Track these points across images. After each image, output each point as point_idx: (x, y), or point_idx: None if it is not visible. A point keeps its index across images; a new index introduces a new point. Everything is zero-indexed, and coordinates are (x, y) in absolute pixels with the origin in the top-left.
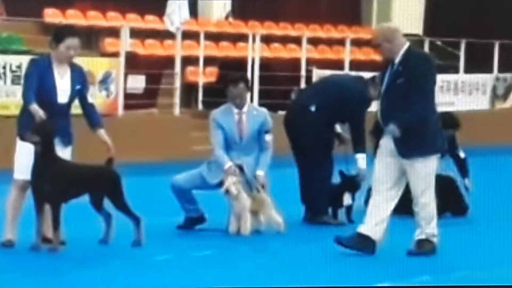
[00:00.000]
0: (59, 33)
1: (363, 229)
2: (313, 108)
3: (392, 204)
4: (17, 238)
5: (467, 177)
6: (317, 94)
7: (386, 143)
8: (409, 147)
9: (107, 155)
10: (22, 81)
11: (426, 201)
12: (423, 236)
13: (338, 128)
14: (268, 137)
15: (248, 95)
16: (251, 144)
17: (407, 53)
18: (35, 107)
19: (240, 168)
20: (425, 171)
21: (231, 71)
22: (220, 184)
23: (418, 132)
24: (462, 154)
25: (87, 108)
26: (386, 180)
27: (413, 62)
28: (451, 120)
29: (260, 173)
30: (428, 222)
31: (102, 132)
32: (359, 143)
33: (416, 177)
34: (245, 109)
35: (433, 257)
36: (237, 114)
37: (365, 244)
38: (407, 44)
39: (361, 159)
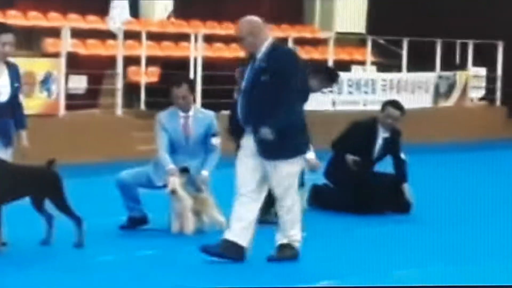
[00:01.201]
0: None
1: (229, 235)
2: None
3: (257, 206)
4: None
5: (406, 182)
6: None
7: (248, 144)
8: (273, 149)
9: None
10: None
11: (290, 204)
12: (285, 241)
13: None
14: (215, 140)
15: (192, 98)
16: (198, 148)
17: (270, 48)
18: None
19: (186, 170)
20: (288, 172)
21: (174, 71)
22: (165, 185)
23: (283, 133)
24: (403, 156)
25: (16, 107)
26: (249, 183)
27: (278, 57)
28: (389, 101)
29: (204, 172)
30: (291, 226)
31: (23, 134)
32: None
33: (278, 178)
34: (191, 112)
35: (374, 255)
36: (183, 117)
37: (233, 251)
38: (270, 39)
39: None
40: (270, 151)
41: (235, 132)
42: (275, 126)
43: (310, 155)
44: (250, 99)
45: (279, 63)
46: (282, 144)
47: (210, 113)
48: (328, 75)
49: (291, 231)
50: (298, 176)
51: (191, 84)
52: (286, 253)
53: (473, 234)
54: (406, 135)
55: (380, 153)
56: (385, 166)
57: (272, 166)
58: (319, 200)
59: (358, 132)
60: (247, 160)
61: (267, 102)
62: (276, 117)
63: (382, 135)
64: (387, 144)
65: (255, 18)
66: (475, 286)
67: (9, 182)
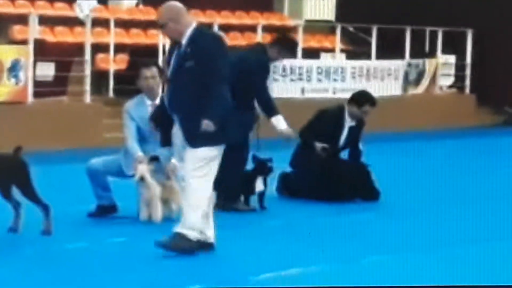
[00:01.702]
0: None
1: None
2: None
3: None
4: None
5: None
6: None
7: (178, 133)
8: (196, 136)
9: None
10: None
11: (194, 187)
12: (183, 230)
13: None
14: None
15: (160, 82)
16: None
17: (194, 33)
18: None
19: (156, 158)
20: (201, 156)
21: (142, 58)
22: (135, 174)
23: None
24: (360, 147)
25: None
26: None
27: (202, 42)
28: (367, 95)
29: (173, 161)
30: (193, 212)
31: None
32: (269, 108)
33: (189, 159)
34: (157, 100)
35: (343, 243)
36: (150, 106)
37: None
38: (194, 24)
39: (276, 120)
40: (194, 137)
41: (158, 120)
42: (215, 116)
43: (282, 125)
44: (176, 86)
45: (203, 48)
46: (198, 131)
47: None
48: (285, 43)
49: (190, 216)
50: (214, 163)
51: (160, 68)
52: (179, 244)
53: (440, 221)
54: (376, 123)
55: (346, 142)
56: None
57: (191, 150)
58: (288, 188)
59: (325, 120)
60: (180, 149)
61: (193, 88)
62: (213, 107)
63: (349, 124)
64: (352, 133)
65: (174, 3)
66: (475, 286)
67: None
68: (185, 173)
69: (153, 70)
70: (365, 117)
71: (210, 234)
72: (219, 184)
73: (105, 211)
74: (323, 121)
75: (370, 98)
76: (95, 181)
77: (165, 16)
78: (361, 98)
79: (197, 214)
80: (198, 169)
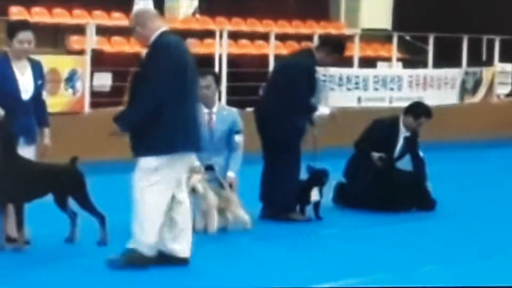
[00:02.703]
0: (11, 28)
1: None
2: (270, 98)
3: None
4: None
5: (426, 180)
6: (270, 87)
7: None
8: (136, 144)
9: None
10: None
11: (142, 201)
12: (134, 245)
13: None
14: (238, 138)
15: (217, 91)
16: (221, 145)
17: (155, 39)
18: None
19: (211, 168)
20: (143, 168)
21: (198, 68)
22: None
23: (146, 129)
24: (421, 154)
25: (39, 105)
26: None
27: (153, 49)
28: (423, 107)
29: (231, 174)
30: (141, 227)
31: (46, 131)
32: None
33: (137, 173)
34: (214, 109)
35: (399, 252)
36: (207, 114)
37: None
38: (161, 29)
39: (319, 112)
40: (135, 146)
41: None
42: (126, 123)
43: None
44: (133, 92)
45: (150, 55)
46: (142, 140)
47: (234, 110)
48: (332, 44)
49: (141, 234)
50: (160, 174)
51: (216, 76)
52: (130, 259)
53: (498, 230)
54: (433, 132)
55: (401, 152)
56: (405, 164)
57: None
58: (344, 198)
59: (380, 131)
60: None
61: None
62: (128, 114)
63: (404, 134)
64: (407, 143)
65: (144, 9)
66: (476, 287)
67: (31, 180)
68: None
69: (209, 79)
70: (420, 128)
71: (178, 248)
72: (271, 195)
73: None
74: (378, 131)
75: (426, 110)
76: None
77: (133, 21)
78: (418, 110)
79: (145, 229)
80: (142, 180)
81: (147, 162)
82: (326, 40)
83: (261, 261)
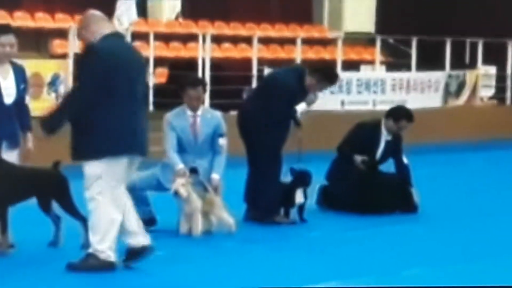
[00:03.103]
0: None
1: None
2: (254, 105)
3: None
4: None
5: (411, 186)
6: (257, 93)
7: None
8: (72, 149)
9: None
10: None
11: (91, 208)
12: (90, 250)
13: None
14: (222, 141)
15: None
16: (205, 147)
17: (91, 43)
18: None
19: (195, 171)
20: (87, 174)
21: (182, 72)
22: None
23: (78, 132)
24: (405, 160)
25: (22, 109)
26: None
27: (88, 52)
28: (404, 111)
29: (215, 176)
30: (94, 233)
31: (29, 135)
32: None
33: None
34: (199, 112)
35: (382, 255)
36: (191, 117)
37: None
38: (104, 32)
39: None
40: (73, 151)
41: None
42: (49, 125)
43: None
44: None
45: (82, 58)
46: (77, 144)
47: (218, 113)
48: (327, 75)
49: (94, 239)
50: (102, 179)
51: (205, 86)
52: (87, 264)
53: (482, 233)
54: (416, 135)
55: (382, 156)
56: (388, 169)
57: None
58: (328, 200)
59: (362, 134)
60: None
61: None
62: (55, 115)
63: (385, 138)
64: (389, 147)
65: (90, 12)
66: (475, 287)
67: (15, 184)
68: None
69: (199, 90)
70: (402, 132)
71: (142, 239)
72: (255, 197)
73: (145, 224)
74: (360, 134)
75: (407, 113)
76: (134, 196)
77: (79, 23)
78: (398, 113)
79: (98, 236)
80: (88, 188)
81: (89, 169)
82: (319, 67)
83: (246, 264)
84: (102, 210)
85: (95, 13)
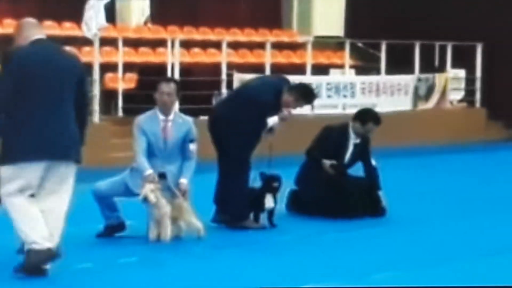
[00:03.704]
0: None
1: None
2: (225, 112)
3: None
4: None
5: (380, 189)
6: (231, 99)
7: None
8: None
9: None
10: None
11: (7, 208)
12: (26, 248)
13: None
14: (192, 146)
15: (175, 100)
16: (175, 153)
17: (18, 48)
18: None
19: (163, 176)
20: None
21: (151, 77)
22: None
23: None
24: (373, 162)
25: None
26: None
27: (5, 57)
28: (370, 113)
29: (183, 181)
30: (20, 231)
31: None
32: None
33: None
34: (171, 116)
35: (350, 259)
36: (163, 121)
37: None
38: (32, 39)
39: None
40: None
41: None
42: None
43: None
44: None
45: (2, 63)
46: None
47: (189, 119)
48: (303, 94)
49: (21, 235)
50: (14, 182)
51: (178, 86)
52: (30, 261)
53: (449, 236)
54: (386, 138)
55: (351, 159)
56: (357, 172)
57: None
58: (297, 205)
59: (330, 138)
60: None
61: None
62: None
63: (353, 141)
64: (357, 150)
65: (25, 19)
66: (475, 287)
67: None
68: None
69: (171, 86)
70: (370, 134)
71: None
72: (224, 201)
73: (114, 230)
74: (328, 138)
75: (373, 116)
76: (102, 203)
77: (15, 30)
78: (365, 116)
79: (22, 230)
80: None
81: (1, 171)
82: (298, 86)
83: (216, 269)
84: (17, 208)
85: (29, 20)
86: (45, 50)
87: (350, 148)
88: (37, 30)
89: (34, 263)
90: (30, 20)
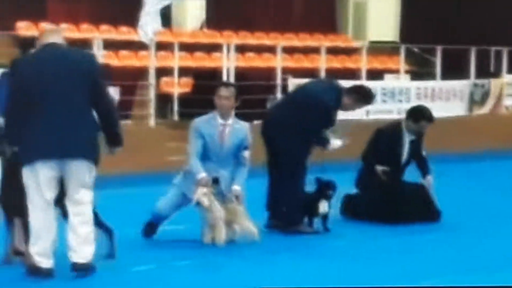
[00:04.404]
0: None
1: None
2: (282, 114)
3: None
4: None
5: (429, 174)
6: (287, 103)
7: None
8: None
9: None
10: None
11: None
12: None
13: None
14: (246, 153)
15: (234, 104)
16: (229, 158)
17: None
18: None
19: (216, 181)
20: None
21: (206, 82)
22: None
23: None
24: (424, 153)
25: None
26: None
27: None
28: (423, 111)
29: (236, 187)
30: (30, 236)
31: None
32: (322, 143)
33: None
34: (229, 121)
35: (404, 264)
36: (221, 125)
37: None
38: (43, 44)
39: (331, 145)
40: None
41: None
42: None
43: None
44: None
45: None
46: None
47: (246, 125)
48: (361, 96)
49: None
50: (29, 186)
51: (237, 91)
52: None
53: (504, 243)
54: (441, 144)
55: (408, 156)
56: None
57: None
58: (351, 210)
59: (384, 139)
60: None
61: None
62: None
63: (409, 138)
64: (414, 147)
65: (46, 26)
66: (475, 287)
67: None
68: None
69: (231, 90)
70: (423, 131)
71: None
72: (276, 206)
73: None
74: (382, 140)
75: (426, 114)
76: (161, 221)
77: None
78: (417, 114)
79: (31, 241)
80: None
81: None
82: (355, 88)
83: (270, 273)
84: (33, 216)
85: (49, 27)
86: (52, 54)
87: (406, 146)
88: (53, 36)
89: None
90: (50, 27)
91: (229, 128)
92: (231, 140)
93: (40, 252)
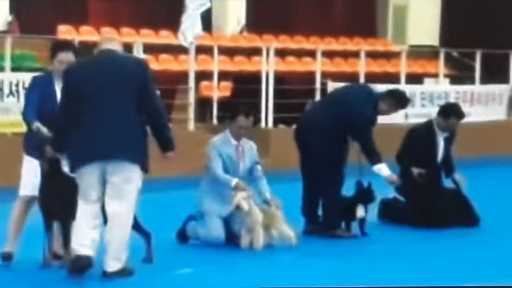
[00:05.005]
0: (53, 49)
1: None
2: (321, 123)
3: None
4: (17, 252)
5: (454, 171)
6: (323, 107)
7: None
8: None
9: None
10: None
11: None
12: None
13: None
14: (259, 167)
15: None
16: (246, 176)
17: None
18: (36, 125)
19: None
20: None
21: (246, 86)
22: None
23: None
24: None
25: None
26: None
27: None
28: (453, 109)
29: (269, 195)
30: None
31: None
32: (370, 156)
33: None
34: (242, 141)
35: (443, 268)
36: (235, 146)
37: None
38: (98, 50)
39: (378, 169)
40: None
41: None
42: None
43: (385, 171)
44: None
45: None
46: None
47: (252, 143)
48: (396, 100)
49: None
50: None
51: (256, 119)
52: (71, 263)
53: None
54: (481, 148)
55: (444, 154)
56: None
57: None
58: (389, 214)
59: (415, 139)
60: None
61: None
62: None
63: (442, 135)
64: (449, 144)
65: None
66: (477, 287)
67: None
68: None
69: (250, 121)
70: (453, 128)
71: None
72: (312, 210)
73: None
74: (415, 139)
75: (456, 110)
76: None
77: None
78: (447, 111)
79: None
80: None
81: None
82: (390, 93)
83: (308, 277)
84: (77, 215)
85: (106, 35)
86: (104, 60)
87: (441, 143)
88: (110, 42)
89: (74, 266)
90: (108, 35)
91: (242, 148)
92: (247, 160)
93: (81, 243)
